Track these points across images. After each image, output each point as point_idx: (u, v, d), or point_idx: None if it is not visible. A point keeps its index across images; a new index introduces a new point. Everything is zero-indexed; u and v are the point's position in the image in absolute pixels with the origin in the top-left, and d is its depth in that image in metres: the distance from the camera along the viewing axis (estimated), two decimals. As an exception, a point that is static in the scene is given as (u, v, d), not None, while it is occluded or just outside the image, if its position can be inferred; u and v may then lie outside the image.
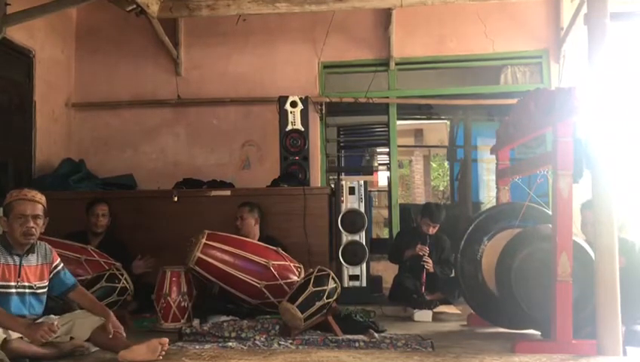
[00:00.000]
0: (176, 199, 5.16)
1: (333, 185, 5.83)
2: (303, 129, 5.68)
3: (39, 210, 3.16)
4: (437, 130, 11.78)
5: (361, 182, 5.36)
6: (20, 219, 3.09)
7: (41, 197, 3.20)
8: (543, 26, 6.17)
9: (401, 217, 6.31)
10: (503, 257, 3.70)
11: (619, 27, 4.99)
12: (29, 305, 3.18)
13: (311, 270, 3.92)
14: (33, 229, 3.12)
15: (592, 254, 3.34)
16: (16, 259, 3.16)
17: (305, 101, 5.74)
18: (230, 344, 3.50)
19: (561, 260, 3.26)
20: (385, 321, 4.21)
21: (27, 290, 3.17)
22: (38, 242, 3.26)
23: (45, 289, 3.26)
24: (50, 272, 3.28)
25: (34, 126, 5.71)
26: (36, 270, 3.22)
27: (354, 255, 5.22)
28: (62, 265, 3.36)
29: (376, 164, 11.45)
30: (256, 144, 6.35)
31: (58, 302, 3.54)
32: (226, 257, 4.25)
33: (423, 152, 14.24)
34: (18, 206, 3.10)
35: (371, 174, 11.78)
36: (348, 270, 5.21)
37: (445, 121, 9.62)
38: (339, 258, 5.20)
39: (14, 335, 2.96)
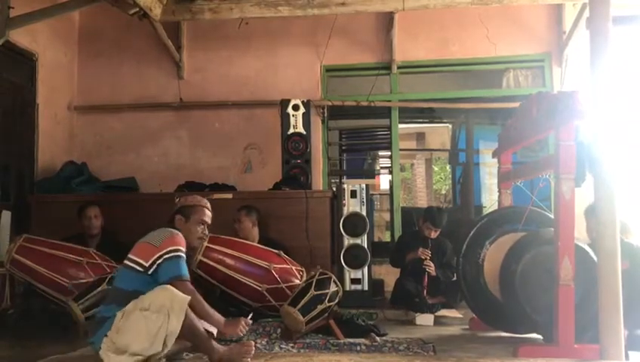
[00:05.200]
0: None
1: (335, 189, 5.82)
2: (304, 132, 5.69)
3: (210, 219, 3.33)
4: (439, 133, 11.78)
5: (363, 186, 5.36)
6: (201, 226, 3.25)
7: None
8: (545, 30, 6.17)
9: (402, 221, 6.30)
10: (508, 261, 3.69)
11: (621, 31, 4.98)
12: None
13: (312, 273, 3.92)
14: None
15: (595, 258, 3.33)
16: None
17: (307, 104, 5.75)
18: (231, 347, 3.49)
19: (564, 264, 3.25)
20: (386, 325, 4.19)
21: None
22: None
23: None
24: None
25: (36, 129, 5.72)
26: None
27: (355, 258, 5.21)
28: None
29: (378, 168, 11.48)
30: (258, 147, 6.34)
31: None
32: (228, 260, 4.25)
33: (424, 156, 14.27)
34: (201, 212, 3.26)
35: (373, 177, 11.80)
36: (349, 273, 5.21)
37: (447, 124, 9.60)
38: (340, 261, 5.20)
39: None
